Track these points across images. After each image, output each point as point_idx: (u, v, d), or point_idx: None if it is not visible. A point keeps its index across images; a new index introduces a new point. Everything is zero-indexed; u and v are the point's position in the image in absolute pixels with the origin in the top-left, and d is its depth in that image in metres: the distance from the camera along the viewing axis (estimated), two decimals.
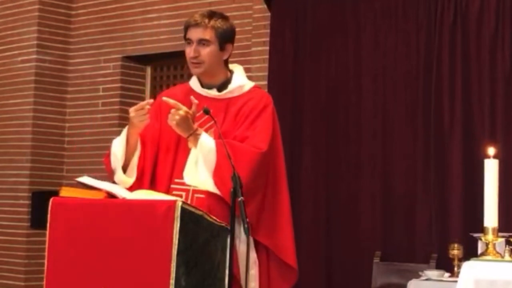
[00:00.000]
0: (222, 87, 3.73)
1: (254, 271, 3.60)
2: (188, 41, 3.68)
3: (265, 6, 6.86)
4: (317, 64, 6.51)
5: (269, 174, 3.64)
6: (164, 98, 3.58)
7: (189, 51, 3.67)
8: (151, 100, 3.65)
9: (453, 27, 6.01)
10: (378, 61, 6.29)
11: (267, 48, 6.78)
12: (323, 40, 6.53)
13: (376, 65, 6.30)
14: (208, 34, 3.65)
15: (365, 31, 6.37)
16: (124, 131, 3.66)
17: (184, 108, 3.52)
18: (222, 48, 3.68)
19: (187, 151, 3.60)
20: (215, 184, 3.49)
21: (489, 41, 5.88)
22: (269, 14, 6.83)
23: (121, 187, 3.54)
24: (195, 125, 3.56)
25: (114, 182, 3.62)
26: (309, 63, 6.55)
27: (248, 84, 3.78)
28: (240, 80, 3.76)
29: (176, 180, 3.62)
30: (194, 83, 3.80)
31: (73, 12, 8.24)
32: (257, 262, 3.62)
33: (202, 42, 3.65)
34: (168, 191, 3.59)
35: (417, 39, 6.15)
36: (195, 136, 3.53)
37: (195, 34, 3.65)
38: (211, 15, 3.69)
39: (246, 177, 3.39)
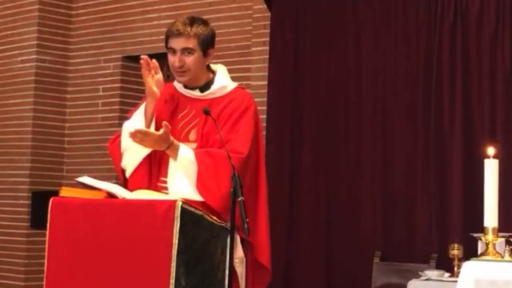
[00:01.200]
0: (204, 87, 3.77)
1: (241, 269, 3.60)
2: (171, 50, 3.70)
3: (265, 6, 6.85)
4: (317, 64, 6.51)
5: (248, 176, 3.65)
6: (129, 132, 3.57)
7: (174, 61, 3.70)
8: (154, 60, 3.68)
9: (453, 27, 6.01)
10: (378, 61, 6.29)
11: (267, 48, 6.78)
12: (323, 40, 6.53)
13: (376, 65, 6.29)
14: (191, 43, 3.67)
15: (365, 31, 6.36)
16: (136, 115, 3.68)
17: (146, 130, 3.54)
18: (205, 54, 3.72)
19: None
20: (200, 194, 3.50)
21: (489, 41, 5.87)
22: (269, 14, 6.82)
23: (120, 187, 3.55)
24: (171, 138, 3.56)
25: (117, 183, 3.64)
26: (309, 63, 6.55)
27: (231, 85, 3.80)
28: (223, 81, 3.79)
29: (162, 179, 3.64)
30: (177, 82, 3.83)
31: (73, 12, 8.24)
32: (244, 260, 3.63)
33: (186, 51, 3.67)
34: (155, 189, 3.60)
35: (417, 39, 6.15)
36: (172, 148, 3.55)
37: (178, 43, 3.68)
38: (192, 22, 3.70)
39: (227, 183, 3.39)
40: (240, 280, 3.58)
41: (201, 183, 3.49)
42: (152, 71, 3.70)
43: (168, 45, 3.72)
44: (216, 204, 3.44)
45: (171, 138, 3.56)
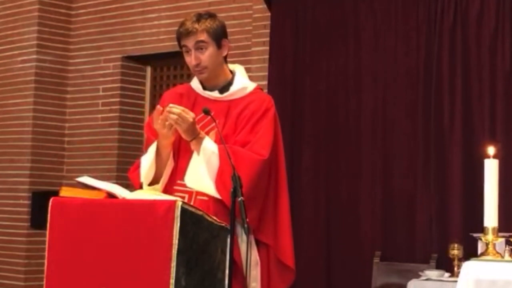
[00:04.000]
0: (224, 89, 3.72)
1: (255, 272, 3.60)
2: (186, 49, 3.66)
3: (265, 6, 6.85)
4: (317, 64, 6.51)
5: (270, 179, 3.64)
6: (172, 105, 3.55)
7: (190, 60, 3.66)
8: (160, 107, 3.60)
9: (453, 27, 6.01)
10: (378, 61, 6.29)
11: (267, 48, 6.78)
12: (323, 40, 6.53)
13: (376, 65, 6.30)
14: (202, 36, 3.63)
15: (365, 31, 6.37)
16: (153, 148, 3.66)
17: (192, 114, 3.51)
18: (219, 45, 3.67)
19: (188, 153, 3.60)
20: (216, 188, 3.49)
21: (489, 41, 5.88)
22: (269, 14, 6.83)
23: (120, 187, 3.55)
24: (198, 129, 3.56)
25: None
26: (309, 63, 6.55)
27: (251, 86, 3.76)
28: (242, 82, 3.75)
29: (179, 182, 3.62)
30: (195, 84, 3.79)
31: (73, 12, 8.24)
32: (259, 262, 3.62)
33: (199, 45, 3.63)
34: (171, 193, 3.59)
35: (417, 39, 6.15)
36: (198, 139, 3.53)
37: (189, 40, 3.64)
38: (199, 18, 3.66)
39: (247, 184, 3.38)
40: (255, 283, 3.58)
41: (220, 179, 3.47)
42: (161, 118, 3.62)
43: (181, 44, 3.67)
44: (229, 202, 3.41)
45: (198, 129, 3.55)
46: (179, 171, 3.62)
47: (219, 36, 3.67)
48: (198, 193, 3.57)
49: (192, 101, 3.73)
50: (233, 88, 3.72)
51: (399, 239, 6.07)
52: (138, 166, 3.70)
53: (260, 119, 3.64)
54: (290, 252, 3.72)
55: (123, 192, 3.43)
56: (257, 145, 3.58)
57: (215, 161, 3.49)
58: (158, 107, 3.59)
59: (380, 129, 6.23)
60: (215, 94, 3.72)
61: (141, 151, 3.96)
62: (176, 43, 3.75)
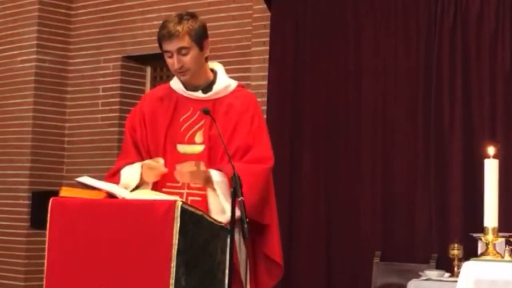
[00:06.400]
0: (206, 88, 3.73)
1: (243, 270, 3.60)
2: (168, 53, 3.66)
3: (265, 6, 6.85)
4: (317, 64, 6.51)
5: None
6: (179, 168, 3.52)
7: (172, 63, 3.66)
8: (166, 170, 3.61)
9: (453, 27, 6.01)
10: (378, 61, 6.29)
11: (267, 48, 6.78)
12: (323, 40, 6.53)
13: (376, 65, 6.30)
14: (185, 41, 3.62)
15: (365, 31, 6.37)
16: (136, 167, 3.65)
17: (203, 167, 3.51)
18: (201, 47, 3.67)
19: (175, 154, 3.63)
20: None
21: (489, 41, 5.88)
22: (269, 14, 6.82)
23: (120, 187, 3.55)
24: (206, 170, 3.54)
25: None
26: (309, 63, 6.55)
27: (233, 84, 3.78)
28: (225, 81, 3.76)
29: (169, 184, 3.62)
30: (176, 85, 3.79)
31: (73, 12, 8.24)
32: (247, 259, 3.63)
33: (182, 50, 3.63)
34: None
35: (417, 39, 6.15)
36: (210, 180, 3.52)
37: (171, 45, 3.63)
38: (180, 19, 3.64)
39: (259, 193, 3.46)
40: (243, 281, 3.58)
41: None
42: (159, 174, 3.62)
43: (163, 49, 3.67)
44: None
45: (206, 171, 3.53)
46: (168, 173, 3.62)
47: (201, 37, 3.66)
48: (190, 193, 3.58)
49: (173, 102, 3.75)
50: (216, 87, 3.73)
51: (399, 239, 6.06)
52: (116, 173, 3.69)
53: (253, 119, 3.67)
54: (278, 247, 3.71)
55: (123, 192, 3.43)
56: (262, 150, 3.62)
57: (226, 188, 3.48)
58: (157, 164, 3.57)
59: (380, 129, 6.23)
60: (198, 94, 3.73)
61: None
62: None
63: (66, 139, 8.16)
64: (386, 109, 6.23)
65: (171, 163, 3.61)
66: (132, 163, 3.67)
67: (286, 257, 6.28)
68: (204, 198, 3.53)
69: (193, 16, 3.69)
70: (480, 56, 5.90)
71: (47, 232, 3.36)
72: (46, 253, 3.36)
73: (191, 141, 3.66)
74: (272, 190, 3.72)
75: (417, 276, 5.40)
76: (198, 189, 3.57)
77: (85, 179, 3.48)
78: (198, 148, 3.64)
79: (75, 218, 3.32)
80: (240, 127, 3.63)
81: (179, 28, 3.61)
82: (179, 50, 3.63)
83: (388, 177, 6.15)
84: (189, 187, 3.59)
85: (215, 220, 3.35)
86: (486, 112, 5.83)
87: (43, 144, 8.00)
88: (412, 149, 6.09)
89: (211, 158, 3.61)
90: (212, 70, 3.78)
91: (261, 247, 3.67)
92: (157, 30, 3.70)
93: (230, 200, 3.35)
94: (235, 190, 3.24)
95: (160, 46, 3.68)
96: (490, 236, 3.46)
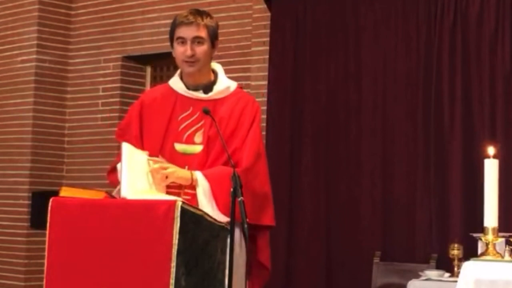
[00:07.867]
0: (207, 88, 3.73)
1: (243, 270, 3.59)
2: (181, 40, 3.67)
3: (265, 6, 6.85)
4: (317, 64, 6.51)
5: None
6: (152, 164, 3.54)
7: (184, 50, 3.66)
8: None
9: (453, 27, 6.01)
10: (378, 61, 6.29)
11: (267, 48, 6.78)
12: (323, 40, 6.53)
13: (376, 65, 6.30)
14: (203, 32, 3.66)
15: (365, 31, 6.37)
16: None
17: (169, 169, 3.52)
18: (213, 45, 3.72)
19: (173, 153, 3.63)
20: (218, 210, 3.49)
21: (489, 41, 5.88)
22: (269, 14, 6.83)
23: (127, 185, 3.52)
24: (184, 170, 3.55)
25: None
26: (309, 63, 6.55)
27: (233, 85, 3.78)
28: (226, 82, 3.77)
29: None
30: (176, 84, 3.78)
31: (73, 12, 8.24)
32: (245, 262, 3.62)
33: (197, 40, 3.65)
34: None
35: (417, 39, 6.15)
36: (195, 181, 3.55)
37: (189, 32, 3.65)
38: (201, 13, 3.70)
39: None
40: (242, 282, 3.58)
41: (216, 197, 3.51)
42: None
43: (177, 35, 3.68)
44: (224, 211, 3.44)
45: (185, 170, 3.55)
46: None
47: (215, 36, 3.72)
48: (184, 192, 3.57)
49: (172, 102, 3.74)
50: (217, 88, 3.74)
51: (399, 239, 6.06)
52: (115, 169, 3.69)
53: (251, 126, 3.67)
54: (267, 252, 3.73)
55: (125, 191, 3.39)
56: (240, 153, 3.60)
57: (207, 186, 3.51)
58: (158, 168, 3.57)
59: (380, 129, 6.23)
60: (199, 94, 3.73)
61: None
62: None
63: (66, 139, 8.16)
64: (386, 109, 6.23)
65: (169, 161, 3.61)
66: None
67: (286, 256, 6.34)
68: (194, 196, 3.53)
69: (210, 15, 3.76)
70: (480, 56, 5.90)
71: (47, 232, 3.36)
72: (46, 253, 3.35)
73: (190, 141, 3.66)
74: (260, 191, 3.71)
75: (417, 276, 5.40)
76: (191, 188, 3.57)
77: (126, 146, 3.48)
78: (196, 148, 3.64)
79: (75, 218, 3.32)
80: (238, 131, 3.64)
81: (199, 19, 3.66)
82: (195, 39, 3.65)
83: (388, 177, 6.15)
84: (185, 187, 3.60)
85: (215, 220, 3.35)
86: (486, 112, 5.83)
87: (43, 144, 8.00)
88: (412, 149, 6.09)
89: (209, 158, 3.62)
90: (213, 71, 3.79)
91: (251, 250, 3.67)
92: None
93: (211, 203, 3.42)
94: (235, 190, 3.24)
95: (173, 33, 3.69)
96: (490, 236, 3.45)
